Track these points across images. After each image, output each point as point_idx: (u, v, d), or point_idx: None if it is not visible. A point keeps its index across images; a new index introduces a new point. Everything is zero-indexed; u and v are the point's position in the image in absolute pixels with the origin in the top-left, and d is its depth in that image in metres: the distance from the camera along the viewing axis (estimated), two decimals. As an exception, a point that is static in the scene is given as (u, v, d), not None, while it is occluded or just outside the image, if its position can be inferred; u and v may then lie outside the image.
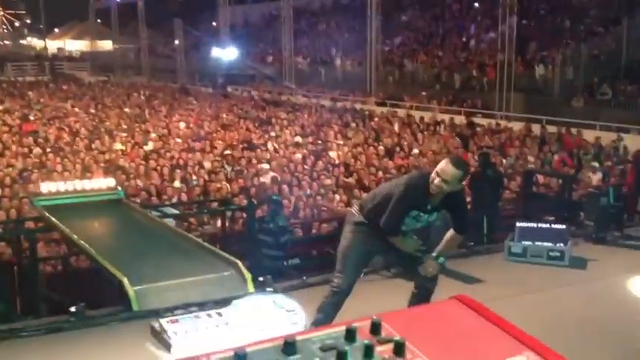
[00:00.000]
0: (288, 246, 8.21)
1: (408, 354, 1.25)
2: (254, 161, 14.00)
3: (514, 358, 1.30)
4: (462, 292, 1.63)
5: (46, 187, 8.25)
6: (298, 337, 1.20)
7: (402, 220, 4.39)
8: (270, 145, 16.20)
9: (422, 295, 4.49)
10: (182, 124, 19.96)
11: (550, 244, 7.28)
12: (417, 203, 4.37)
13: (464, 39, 27.51)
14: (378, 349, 1.24)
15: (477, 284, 6.42)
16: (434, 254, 4.46)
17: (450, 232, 4.54)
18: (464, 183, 5.31)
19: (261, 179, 12.12)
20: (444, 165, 4.23)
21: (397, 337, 1.25)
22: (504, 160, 13.49)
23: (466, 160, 4.84)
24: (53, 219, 7.13)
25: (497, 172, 9.98)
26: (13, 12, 64.66)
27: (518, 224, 7.64)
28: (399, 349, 1.23)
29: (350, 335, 1.26)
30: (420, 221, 4.48)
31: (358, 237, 4.56)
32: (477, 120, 19.70)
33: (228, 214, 9.16)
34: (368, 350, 1.21)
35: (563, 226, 7.62)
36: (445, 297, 1.65)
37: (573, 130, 16.39)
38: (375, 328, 1.29)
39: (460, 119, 19.94)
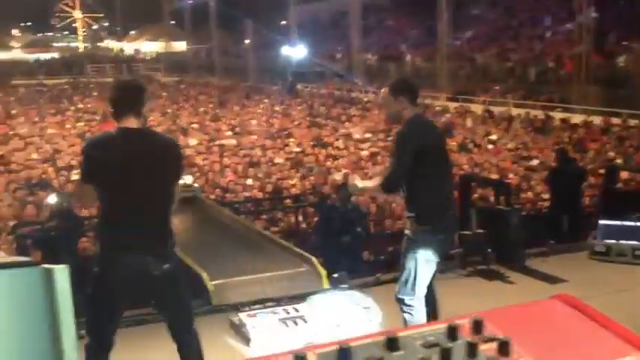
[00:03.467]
0: (363, 233, 8.11)
1: (513, 353, 1.21)
2: (325, 158, 14.06)
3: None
4: (544, 292, 1.57)
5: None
6: (400, 334, 1.19)
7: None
8: (340, 143, 16.23)
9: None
10: (254, 122, 20.27)
11: (635, 243, 6.96)
12: None
13: (538, 31, 26.76)
14: (482, 347, 1.21)
15: (560, 284, 6.21)
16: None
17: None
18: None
19: (334, 176, 12.14)
20: None
21: (501, 336, 1.22)
22: (584, 156, 13.05)
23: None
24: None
25: (576, 168, 9.66)
26: (91, 15, 67.23)
27: (600, 222, 7.35)
28: (504, 348, 1.20)
29: (452, 333, 1.23)
30: None
31: None
32: (554, 114, 19.12)
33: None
34: (471, 348, 1.18)
35: (650, 224, 7.27)
36: (528, 297, 1.59)
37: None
38: (477, 327, 1.25)
39: (535, 113, 19.41)
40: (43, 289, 1.06)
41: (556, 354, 1.24)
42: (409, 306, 4.08)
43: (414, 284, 4.05)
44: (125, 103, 3.34)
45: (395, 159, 4.00)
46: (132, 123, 3.30)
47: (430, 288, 4.19)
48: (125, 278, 3.27)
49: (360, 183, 4.28)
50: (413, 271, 4.04)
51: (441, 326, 1.25)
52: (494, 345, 1.21)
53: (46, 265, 1.09)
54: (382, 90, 4.13)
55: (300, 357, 1.11)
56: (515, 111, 20.15)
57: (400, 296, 4.11)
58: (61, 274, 1.08)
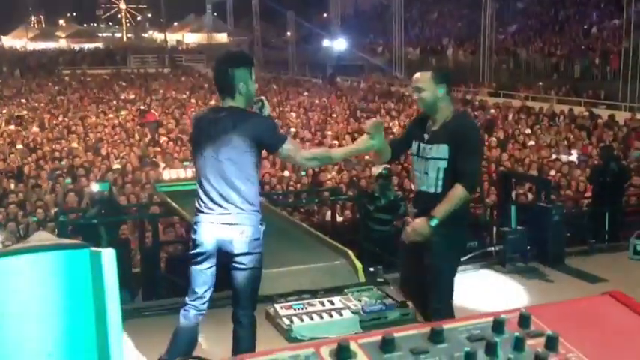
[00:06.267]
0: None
1: (562, 349, 1.17)
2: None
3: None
4: (584, 291, 1.53)
5: (167, 174, 8.77)
6: (445, 326, 1.16)
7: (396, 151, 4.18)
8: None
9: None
10: (293, 115, 20.31)
11: (680, 244, 6.78)
12: (414, 132, 4.00)
13: (585, 26, 26.17)
14: (529, 342, 1.18)
15: (600, 284, 6.08)
16: (432, 215, 3.65)
17: (454, 187, 3.71)
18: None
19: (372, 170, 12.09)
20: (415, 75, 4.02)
21: (549, 331, 1.19)
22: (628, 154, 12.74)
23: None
24: (174, 204, 7.46)
25: (620, 167, 9.45)
26: (135, 6, 68.23)
27: (645, 221, 7.18)
28: (552, 343, 1.16)
29: (498, 326, 1.20)
30: (421, 156, 3.86)
31: None
32: (599, 111, 18.69)
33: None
34: (519, 342, 1.15)
35: (696, 225, 7.08)
36: (567, 295, 1.55)
37: None
38: (524, 321, 1.22)
39: (580, 110, 19.01)
40: (90, 271, 1.07)
41: (606, 350, 1.20)
42: None
43: None
44: (216, 83, 3.66)
45: (476, 157, 3.85)
46: (226, 101, 3.53)
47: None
48: (208, 243, 3.49)
49: (438, 215, 3.65)
50: None
51: (487, 320, 1.22)
52: (541, 340, 1.18)
53: (94, 248, 1.10)
54: (421, 73, 3.98)
55: (344, 346, 1.10)
56: (558, 107, 19.76)
57: None
58: (109, 257, 1.09)
